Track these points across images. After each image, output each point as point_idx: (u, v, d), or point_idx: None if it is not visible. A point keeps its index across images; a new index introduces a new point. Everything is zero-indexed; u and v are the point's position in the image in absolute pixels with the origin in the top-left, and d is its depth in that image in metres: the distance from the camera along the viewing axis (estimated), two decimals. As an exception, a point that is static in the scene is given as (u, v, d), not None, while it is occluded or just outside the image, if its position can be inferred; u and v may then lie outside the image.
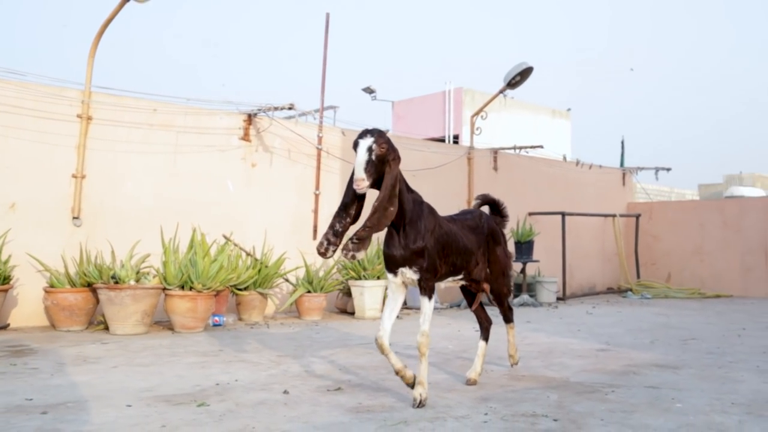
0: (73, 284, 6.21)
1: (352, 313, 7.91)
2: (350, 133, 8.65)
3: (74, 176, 6.67)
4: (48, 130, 6.56)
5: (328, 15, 8.76)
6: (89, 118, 6.76)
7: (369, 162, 3.20)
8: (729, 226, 11.84)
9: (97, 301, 6.24)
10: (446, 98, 21.12)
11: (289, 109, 7.49)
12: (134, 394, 3.64)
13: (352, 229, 3.35)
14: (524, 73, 9.86)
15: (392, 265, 3.51)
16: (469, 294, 4.30)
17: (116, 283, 5.96)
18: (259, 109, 7.79)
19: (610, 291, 12.20)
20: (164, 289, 6.14)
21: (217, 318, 6.61)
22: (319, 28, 8.71)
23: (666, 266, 12.51)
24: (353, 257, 3.31)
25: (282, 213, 8.16)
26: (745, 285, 11.51)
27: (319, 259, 8.30)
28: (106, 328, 6.14)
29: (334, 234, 3.37)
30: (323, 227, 8.51)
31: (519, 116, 20.72)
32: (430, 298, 3.48)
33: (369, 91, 19.81)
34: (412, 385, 3.45)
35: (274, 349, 5.24)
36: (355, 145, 3.27)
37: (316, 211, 8.48)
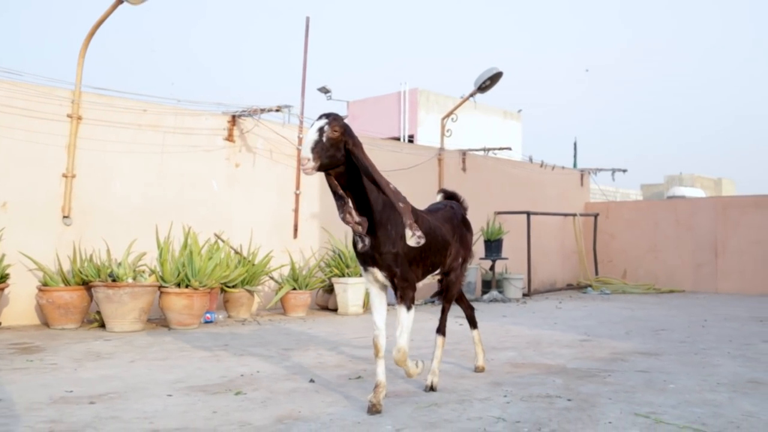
0: (66, 283, 6.27)
1: (334, 310, 8.13)
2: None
3: (64, 176, 6.72)
4: (39, 130, 6.59)
5: (308, 19, 8.96)
6: (79, 118, 6.81)
7: (318, 143, 2.99)
8: (681, 225, 12.50)
9: (91, 299, 6.32)
10: (401, 99, 21.43)
11: (277, 111, 7.66)
12: (167, 385, 3.81)
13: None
14: (494, 78, 10.25)
15: (361, 261, 3.37)
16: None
17: (114, 281, 6.06)
18: (244, 111, 7.94)
19: (570, 287, 12.71)
20: (160, 286, 6.26)
21: (208, 315, 6.75)
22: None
23: (622, 263, 13.11)
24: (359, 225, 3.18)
25: (264, 212, 8.33)
26: (696, 280, 12.18)
27: (302, 257, 8.50)
28: (101, 326, 6.23)
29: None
30: (303, 226, 8.72)
31: (472, 117, 21.19)
32: (408, 308, 3.29)
33: (324, 90, 19.95)
34: (372, 404, 3.20)
35: (276, 344, 5.43)
36: (310, 126, 3.12)
37: (296, 211, 8.67)
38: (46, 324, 6.33)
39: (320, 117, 3.10)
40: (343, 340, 5.74)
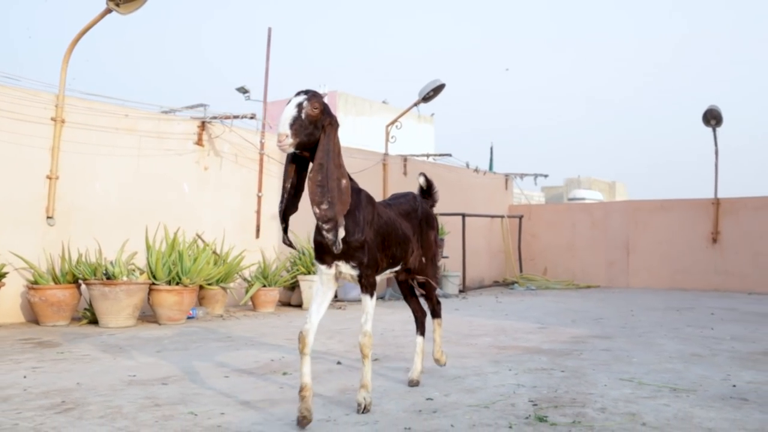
0: (56, 281, 6.50)
1: (297, 306, 8.65)
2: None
3: (48, 177, 6.91)
4: (24, 132, 6.76)
5: (270, 30, 9.42)
6: (63, 121, 7.02)
7: (296, 119, 2.89)
8: (596, 226, 13.74)
9: (80, 296, 6.58)
10: None
11: (251, 118, 8.10)
12: (214, 369, 4.28)
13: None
14: (437, 89, 11.04)
15: (326, 255, 3.22)
16: (404, 286, 4.10)
17: (108, 279, 6.36)
18: (214, 117, 8.33)
19: (497, 284, 13.70)
20: (152, 284, 6.60)
21: (191, 311, 7.13)
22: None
23: (543, 261, 14.23)
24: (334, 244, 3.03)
25: (229, 213, 8.73)
26: (609, 277, 13.44)
27: (265, 257, 8.95)
28: (91, 323, 6.51)
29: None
30: (265, 227, 9.17)
31: (386, 120, 22.01)
32: (371, 295, 3.25)
33: (243, 90, 20.22)
34: (302, 416, 2.96)
35: (273, 335, 5.94)
36: (287, 103, 2.97)
37: (258, 212, 9.11)
38: (35, 322, 6.53)
39: (298, 93, 2.98)
40: (335, 330, 6.29)
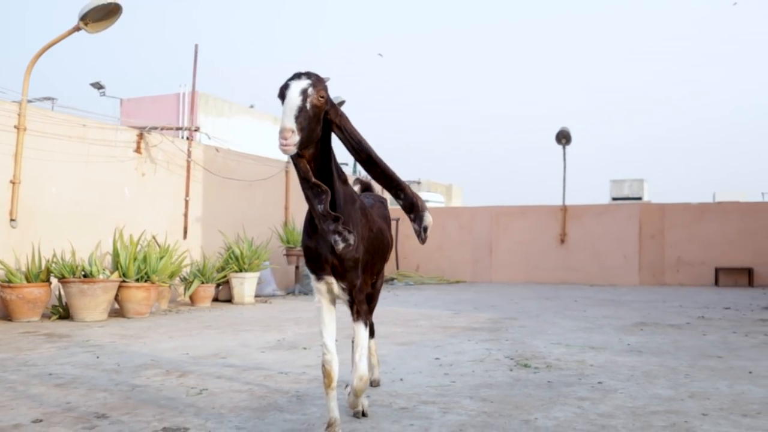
0: (29, 279, 6.98)
1: (227, 301, 9.52)
2: (208, 148, 10.22)
3: (12, 182, 7.33)
4: (-9, 140, 7.16)
5: (196, 46, 10.15)
6: (24, 129, 7.45)
7: (302, 110, 2.38)
8: (462, 228, 15.63)
9: (51, 293, 7.11)
10: (180, 100, 22.36)
11: (196, 131, 8.86)
12: (247, 347, 5.26)
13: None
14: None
15: (317, 266, 2.74)
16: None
17: (85, 277, 6.97)
18: (153, 127, 9.01)
19: (377, 280, 15.16)
20: (122, 281, 7.27)
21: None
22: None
23: (415, 259, 15.91)
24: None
25: (162, 216, 9.41)
26: (474, 273, 15.37)
27: (195, 255, 9.71)
28: (62, 318, 7.07)
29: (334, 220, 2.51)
30: (192, 229, 9.92)
31: (245, 121, 22.88)
32: (366, 324, 2.79)
33: (98, 86, 20.25)
34: None
35: (245, 323, 6.89)
36: (285, 88, 2.44)
37: (186, 215, 9.84)
38: (7, 318, 6.96)
39: (297, 75, 2.48)
40: (289, 320, 7.34)
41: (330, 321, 2.81)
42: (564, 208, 14.54)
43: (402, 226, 15.91)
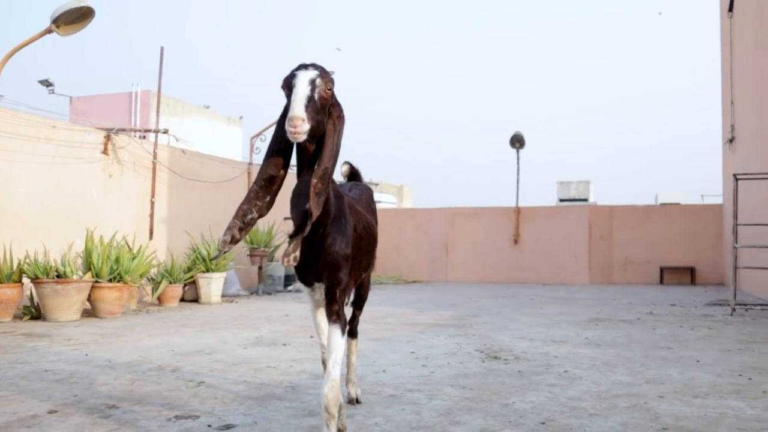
0: (0, 280, 7.03)
1: (193, 300, 9.65)
2: (173, 150, 10.35)
3: (-18, 183, 7.36)
4: (-38, 141, 7.17)
5: (162, 49, 10.24)
6: (-6, 131, 7.49)
7: (311, 99, 2.36)
8: (419, 229, 16.01)
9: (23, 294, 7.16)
10: (132, 99, 22.25)
11: (164, 133, 8.98)
12: (230, 344, 5.47)
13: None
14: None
15: (306, 274, 2.68)
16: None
17: (59, 277, 7.05)
18: (122, 129, 9.08)
19: (336, 280, 15.41)
20: (95, 281, 7.37)
21: (118, 306, 7.94)
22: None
23: (373, 260, 16.20)
24: (295, 260, 2.46)
25: (129, 217, 9.49)
26: (431, 272, 15.76)
27: (160, 256, 9.81)
28: (34, 318, 7.14)
29: (244, 224, 2.50)
30: (158, 230, 10.02)
31: (199, 122, 22.91)
32: (343, 329, 2.61)
33: (46, 84, 20.04)
34: None
35: (217, 322, 7.08)
36: (291, 78, 2.42)
37: (151, 216, 9.94)
38: (-22, 318, 6.99)
39: (304, 66, 2.46)
40: (262, 317, 7.56)
41: (325, 326, 2.72)
42: (517, 210, 15.06)
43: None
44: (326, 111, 2.45)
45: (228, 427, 3.00)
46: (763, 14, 9.52)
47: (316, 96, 2.38)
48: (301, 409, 3.33)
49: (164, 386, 3.84)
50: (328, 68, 2.53)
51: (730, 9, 12.27)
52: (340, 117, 2.53)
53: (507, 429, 2.98)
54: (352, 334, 3.44)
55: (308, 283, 2.69)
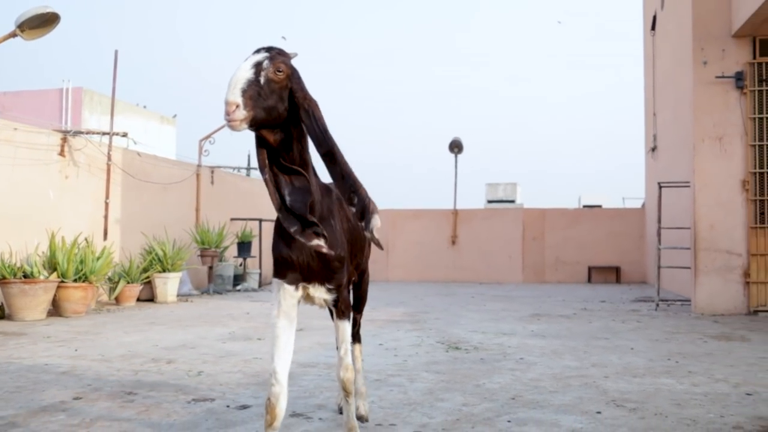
0: (-34, 281, 7.14)
1: (149, 300, 9.87)
2: (127, 152, 10.53)
3: (-56, 185, 7.43)
4: (-75, 143, 7.23)
5: (116, 52, 10.38)
6: (-43, 133, 7.56)
7: (251, 83, 2.18)
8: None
9: (-14, 294, 7.29)
10: (63, 96, 21.97)
11: (124, 136, 9.16)
12: (207, 339, 5.83)
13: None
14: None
15: (290, 272, 2.53)
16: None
17: (26, 277, 7.21)
18: (79, 132, 9.23)
19: (280, 280, 15.75)
20: (60, 281, 7.55)
21: (80, 305, 8.12)
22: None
23: (316, 260, 16.61)
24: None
25: (84, 218, 9.62)
26: (372, 272, 16.22)
27: (114, 256, 9.97)
28: (0, 318, 7.27)
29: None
30: (111, 230, 10.16)
31: (132, 120, 22.80)
32: (349, 319, 2.69)
33: None
34: None
35: (184, 319, 7.39)
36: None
37: (106, 217, 10.07)
38: (-57, 318, 7.09)
39: (257, 50, 2.29)
40: (225, 314, 7.89)
41: (287, 343, 2.53)
42: (455, 212, 15.76)
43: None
44: (282, 96, 2.26)
45: (244, 407, 3.43)
46: (681, 33, 10.44)
47: (263, 79, 2.20)
48: (302, 391, 3.78)
49: (167, 376, 4.21)
50: (289, 51, 2.40)
51: (653, 27, 13.29)
52: (309, 99, 2.31)
53: (485, 403, 3.52)
54: (356, 339, 3.32)
55: (292, 282, 2.52)
